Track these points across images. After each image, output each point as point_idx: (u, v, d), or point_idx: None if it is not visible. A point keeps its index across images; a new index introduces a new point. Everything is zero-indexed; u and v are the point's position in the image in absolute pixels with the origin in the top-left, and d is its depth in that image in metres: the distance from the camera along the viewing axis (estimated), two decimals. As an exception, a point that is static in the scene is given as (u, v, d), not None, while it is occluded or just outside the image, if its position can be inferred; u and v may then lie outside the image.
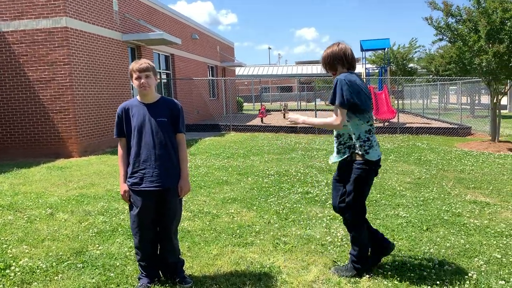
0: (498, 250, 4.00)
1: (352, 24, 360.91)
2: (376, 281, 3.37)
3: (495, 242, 4.21)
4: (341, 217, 5.07)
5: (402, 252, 3.93)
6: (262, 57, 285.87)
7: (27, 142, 10.93)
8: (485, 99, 17.12)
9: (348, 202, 3.39)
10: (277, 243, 4.29)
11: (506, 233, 4.47)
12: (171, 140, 3.30)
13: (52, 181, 7.62)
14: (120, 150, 3.36)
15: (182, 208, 3.54)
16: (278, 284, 3.39)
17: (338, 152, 3.43)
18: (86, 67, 11.28)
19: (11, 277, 3.61)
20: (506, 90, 12.23)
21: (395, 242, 4.17)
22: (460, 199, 5.90)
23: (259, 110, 19.51)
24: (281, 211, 5.41)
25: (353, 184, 3.32)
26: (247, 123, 17.26)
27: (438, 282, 3.26)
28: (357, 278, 3.42)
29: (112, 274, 3.61)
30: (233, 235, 4.54)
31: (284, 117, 20.96)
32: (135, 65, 3.24)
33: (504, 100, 14.41)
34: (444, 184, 6.83)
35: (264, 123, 17.44)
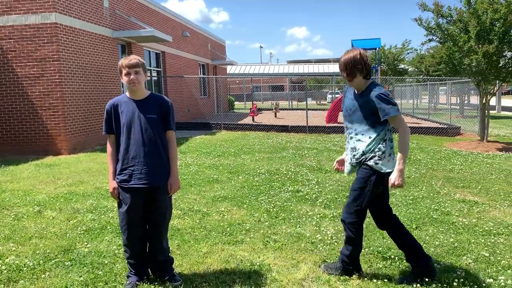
0: (486, 248, 4.03)
1: (344, 23, 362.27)
2: (366, 279, 3.37)
3: (483, 240, 4.24)
4: (330, 216, 5.10)
5: (392, 250, 3.94)
6: (253, 56, 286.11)
7: (15, 139, 10.80)
8: (474, 100, 17.26)
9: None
10: (267, 241, 4.28)
11: (494, 231, 4.51)
12: (160, 137, 3.27)
13: (41, 179, 7.54)
14: (109, 147, 3.33)
15: (172, 206, 3.51)
16: (268, 282, 3.39)
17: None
18: (75, 63, 11.17)
19: (-3, 275, 3.56)
20: (495, 91, 12.34)
21: (384, 240, 4.19)
22: (449, 198, 5.94)
23: (251, 109, 19.51)
24: (271, 210, 5.40)
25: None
26: (238, 122, 17.23)
27: (427, 280, 3.27)
28: (346, 277, 3.42)
29: (100, 272, 3.57)
30: (223, 233, 4.53)
31: (275, 116, 20.98)
32: (124, 61, 3.21)
33: (492, 101, 14.54)
34: (433, 183, 6.88)
35: (255, 122, 17.42)
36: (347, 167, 3.47)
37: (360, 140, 3.31)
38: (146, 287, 3.28)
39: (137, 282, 3.30)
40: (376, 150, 3.25)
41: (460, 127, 15.21)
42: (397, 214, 5.07)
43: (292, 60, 68.05)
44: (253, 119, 18.18)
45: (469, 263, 3.69)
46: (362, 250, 3.60)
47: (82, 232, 4.63)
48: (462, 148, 11.09)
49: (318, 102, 42.95)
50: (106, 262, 3.79)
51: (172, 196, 3.43)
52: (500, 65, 11.05)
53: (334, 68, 48.73)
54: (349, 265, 3.43)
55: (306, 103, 16.77)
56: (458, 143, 12.06)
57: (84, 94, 11.55)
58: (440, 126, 15.61)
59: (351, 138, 3.38)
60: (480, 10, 10.56)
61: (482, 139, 11.97)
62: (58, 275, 3.55)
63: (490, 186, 6.63)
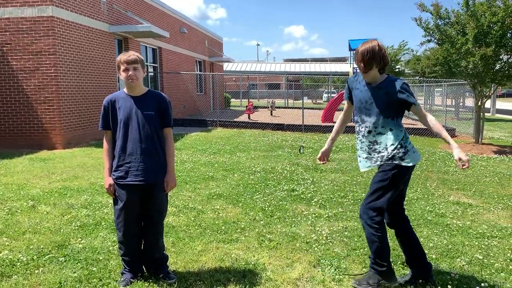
0: (480, 251, 4.06)
1: (341, 23, 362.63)
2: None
3: (477, 243, 4.27)
4: (325, 215, 5.10)
5: (391, 251, 3.94)
6: (250, 53, 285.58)
7: (10, 132, 10.72)
8: (470, 102, 17.33)
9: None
10: (262, 240, 4.28)
11: (488, 234, 4.53)
12: (157, 134, 3.26)
13: (35, 173, 7.49)
14: (105, 143, 3.31)
15: (168, 203, 3.50)
16: (262, 281, 3.38)
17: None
18: (71, 57, 11.10)
19: (-10, 270, 3.53)
20: (490, 94, 12.40)
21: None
22: (443, 200, 5.97)
23: (247, 106, 19.47)
24: (266, 208, 5.40)
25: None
26: (234, 119, 17.21)
27: (420, 281, 3.29)
28: (340, 277, 3.43)
29: (94, 269, 3.55)
30: (218, 231, 4.52)
31: (271, 114, 20.97)
32: (123, 56, 3.19)
33: (487, 103, 14.60)
34: (428, 184, 6.90)
35: (251, 120, 17.41)
36: (364, 163, 3.32)
37: (381, 134, 3.21)
38: (141, 284, 3.26)
39: (131, 279, 3.29)
40: (399, 146, 3.17)
41: (455, 129, 15.27)
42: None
43: (289, 59, 68.08)
44: (249, 117, 18.18)
45: (463, 265, 3.71)
46: (362, 251, 3.60)
47: (76, 227, 4.61)
48: (456, 150, 11.12)
49: (314, 101, 43.01)
50: (100, 258, 3.78)
51: (168, 193, 3.41)
52: (496, 68, 11.10)
53: (331, 67, 48.88)
54: (380, 267, 3.24)
55: (302, 101, 16.77)
56: (453, 145, 12.10)
57: (79, 89, 11.48)
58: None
59: (369, 132, 3.24)
60: (479, 12, 10.59)
61: (477, 141, 12.03)
62: (52, 271, 3.53)
63: (484, 189, 6.66)
